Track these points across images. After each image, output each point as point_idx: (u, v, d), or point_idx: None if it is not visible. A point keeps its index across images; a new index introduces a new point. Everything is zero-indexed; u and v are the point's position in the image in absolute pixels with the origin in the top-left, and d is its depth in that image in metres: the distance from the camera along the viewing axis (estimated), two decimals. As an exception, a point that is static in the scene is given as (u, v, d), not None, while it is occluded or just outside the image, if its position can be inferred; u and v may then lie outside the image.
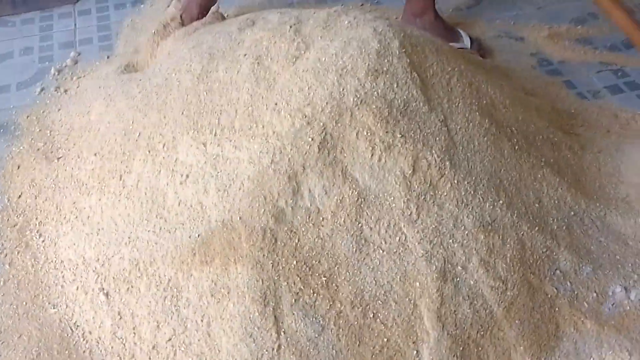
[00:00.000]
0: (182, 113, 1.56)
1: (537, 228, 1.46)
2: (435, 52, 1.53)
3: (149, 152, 1.56)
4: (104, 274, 1.50)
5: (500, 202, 1.44)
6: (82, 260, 1.55)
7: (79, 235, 1.59)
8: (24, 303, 1.55)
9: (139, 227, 1.50)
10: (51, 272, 1.59)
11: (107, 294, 1.47)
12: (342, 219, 1.38)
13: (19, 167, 1.88)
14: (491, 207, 1.43)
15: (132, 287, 1.45)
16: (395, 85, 1.41)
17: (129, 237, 1.50)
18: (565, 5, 2.55)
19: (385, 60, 1.44)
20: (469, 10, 2.54)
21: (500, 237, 1.41)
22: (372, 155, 1.38)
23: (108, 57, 2.29)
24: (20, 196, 1.79)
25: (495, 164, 1.47)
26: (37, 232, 1.68)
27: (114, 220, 1.54)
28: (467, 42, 2.24)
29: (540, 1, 2.57)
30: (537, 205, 1.49)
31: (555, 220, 1.50)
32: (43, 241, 1.66)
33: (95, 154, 1.69)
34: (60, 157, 1.83)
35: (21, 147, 1.93)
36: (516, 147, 1.53)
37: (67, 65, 2.26)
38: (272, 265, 1.36)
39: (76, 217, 1.63)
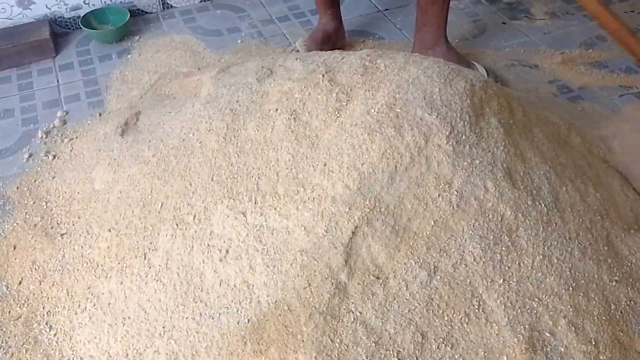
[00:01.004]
0: (212, 179, 1.38)
1: (616, 278, 1.34)
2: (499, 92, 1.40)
3: (177, 225, 1.38)
4: (136, 372, 1.30)
5: (578, 253, 1.31)
6: (106, 356, 1.34)
7: (100, 327, 1.38)
8: (41, 413, 1.33)
9: (175, 314, 1.30)
10: (69, 372, 1.37)
11: (142, 396, 1.27)
12: (412, 293, 1.23)
13: (15, 248, 1.66)
14: (570, 258, 1.29)
15: (172, 386, 1.26)
16: (462, 135, 1.27)
17: (163, 327, 1.31)
18: (570, 29, 2.49)
19: (450, 105, 1.29)
20: (475, 39, 2.44)
21: (584, 293, 1.28)
22: (441, 216, 1.23)
23: (100, 115, 2.09)
24: (20, 282, 1.57)
25: (568, 210, 1.34)
26: (47, 324, 1.47)
27: (142, 307, 1.34)
28: (483, 74, 2.14)
29: (545, 27, 2.50)
30: (612, 252, 1.36)
31: (631, 265, 1.38)
32: (55, 335, 1.44)
33: (109, 230, 1.49)
34: (64, 234, 1.62)
35: (15, 224, 1.71)
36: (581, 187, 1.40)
37: (55, 127, 2.06)
38: (339, 351, 1.19)
39: (94, 304, 1.42)
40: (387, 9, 2.63)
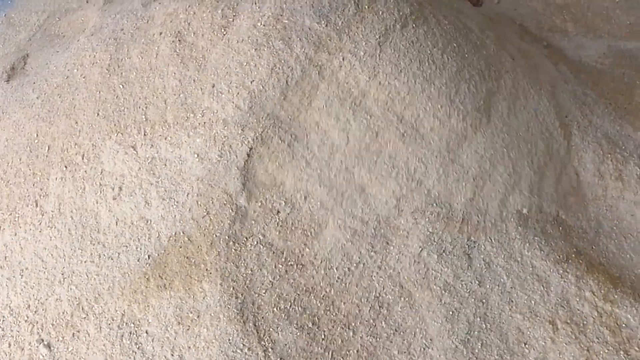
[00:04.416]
0: (98, 114, 1.30)
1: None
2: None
3: (66, 167, 1.30)
4: (40, 322, 1.24)
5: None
6: (8, 310, 1.28)
7: (-2, 282, 1.31)
8: (-56, 377, 1.26)
9: (73, 259, 1.24)
10: (-30, 331, 1.30)
11: (48, 346, 1.22)
12: (317, 205, 1.20)
13: None
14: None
15: (78, 331, 1.21)
16: (360, 36, 1.21)
17: (62, 274, 1.24)
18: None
19: (338, 13, 1.23)
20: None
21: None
22: (344, 128, 1.19)
23: (-15, 62, 1.93)
24: None
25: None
26: (-60, 286, 1.38)
27: (39, 256, 1.27)
28: None
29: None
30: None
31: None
32: (-50, 296, 1.36)
33: (-3, 181, 1.39)
34: (-48, 191, 1.51)
35: None
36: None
37: None
38: (244, 275, 1.16)
39: (-12, 260, 1.34)
40: None
